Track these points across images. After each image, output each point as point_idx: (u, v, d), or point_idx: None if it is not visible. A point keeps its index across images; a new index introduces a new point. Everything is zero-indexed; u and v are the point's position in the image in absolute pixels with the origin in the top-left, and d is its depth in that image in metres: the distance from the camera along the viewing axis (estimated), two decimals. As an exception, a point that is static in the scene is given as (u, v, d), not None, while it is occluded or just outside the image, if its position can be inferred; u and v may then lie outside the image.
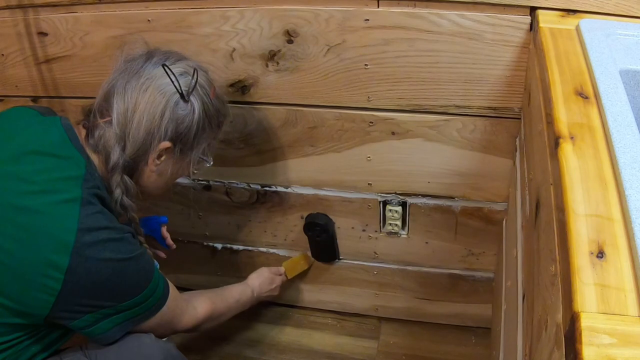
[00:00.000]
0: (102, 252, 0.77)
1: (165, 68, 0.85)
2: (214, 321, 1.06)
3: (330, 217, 1.28)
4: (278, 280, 1.29)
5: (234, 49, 1.07)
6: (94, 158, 0.86)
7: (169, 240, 1.18)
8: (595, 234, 0.50)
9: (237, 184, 1.30)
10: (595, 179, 0.55)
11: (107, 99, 0.86)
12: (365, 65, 1.04)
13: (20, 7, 1.11)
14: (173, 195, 1.36)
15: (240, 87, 1.13)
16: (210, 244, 1.44)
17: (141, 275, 0.84)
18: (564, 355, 0.44)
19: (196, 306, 1.00)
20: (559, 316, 0.48)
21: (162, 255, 1.19)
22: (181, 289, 1.49)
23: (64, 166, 0.81)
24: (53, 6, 1.10)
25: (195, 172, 0.96)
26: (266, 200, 1.30)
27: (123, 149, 0.85)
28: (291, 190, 1.27)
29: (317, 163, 1.20)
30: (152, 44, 0.92)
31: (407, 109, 1.08)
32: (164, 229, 1.17)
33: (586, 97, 0.68)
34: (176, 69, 0.87)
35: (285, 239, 1.37)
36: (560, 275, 0.51)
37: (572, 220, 0.51)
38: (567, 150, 0.59)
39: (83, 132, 0.88)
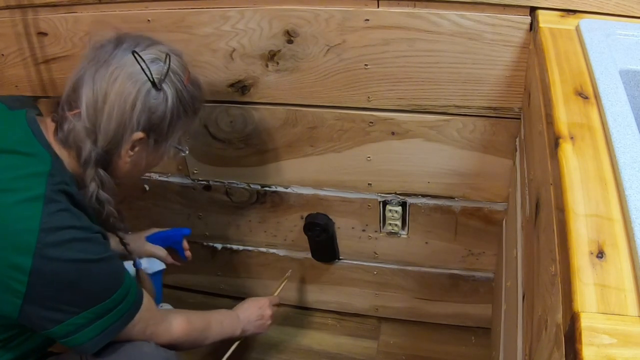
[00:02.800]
0: (67, 253, 0.74)
1: (135, 55, 0.81)
2: (193, 342, 0.99)
3: (330, 217, 1.28)
4: (266, 305, 1.19)
5: (234, 49, 1.07)
6: (64, 153, 0.82)
7: (188, 252, 1.17)
8: (595, 234, 0.50)
9: (237, 184, 1.30)
10: (595, 179, 0.55)
11: (76, 90, 0.81)
12: (365, 65, 1.04)
13: (19, 7, 1.11)
14: (173, 196, 1.36)
15: (240, 87, 1.13)
16: (210, 244, 1.44)
17: (110, 279, 0.80)
18: (564, 355, 0.44)
19: (171, 321, 0.95)
20: (559, 316, 0.48)
21: (177, 263, 1.18)
22: (181, 289, 1.50)
23: (27, 163, 0.77)
24: (53, 6, 1.10)
25: (173, 158, 0.93)
26: (266, 200, 1.30)
27: (94, 142, 0.81)
28: (291, 190, 1.27)
29: (317, 163, 1.20)
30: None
31: (407, 109, 1.08)
32: (184, 241, 1.18)
33: (586, 97, 0.68)
34: (147, 55, 0.82)
35: (285, 239, 1.37)
36: (560, 275, 0.51)
37: (572, 220, 0.51)
38: (567, 150, 0.59)
39: (52, 125, 0.84)
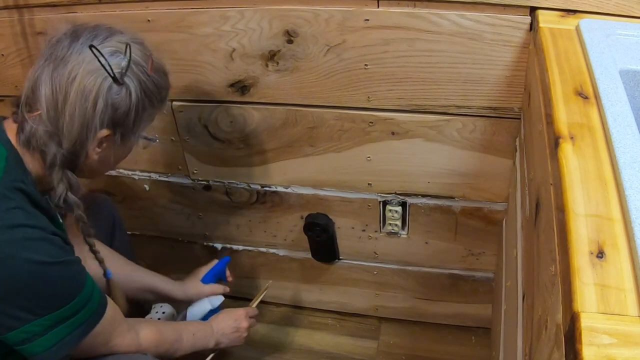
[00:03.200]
0: (19, 253, 0.70)
1: (93, 50, 0.76)
2: (164, 353, 0.96)
3: (330, 217, 1.28)
4: (242, 317, 1.16)
5: (234, 49, 1.07)
6: (28, 154, 0.79)
7: (229, 276, 1.26)
8: (595, 234, 0.50)
9: (237, 184, 1.30)
10: (595, 179, 0.55)
11: (34, 90, 0.77)
12: (365, 65, 1.04)
13: (19, 7, 1.11)
14: (173, 196, 1.36)
15: (240, 87, 1.13)
16: (210, 244, 1.44)
17: (68, 284, 0.76)
18: (564, 355, 0.44)
19: (139, 332, 0.91)
20: (559, 316, 0.48)
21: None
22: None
23: None
24: (53, 6, 1.10)
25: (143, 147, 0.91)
26: (266, 200, 1.30)
27: (58, 144, 0.78)
28: (291, 190, 1.27)
29: (317, 163, 1.20)
30: (79, 20, 0.84)
31: (407, 109, 1.08)
32: (227, 270, 1.27)
33: (586, 97, 0.68)
34: (106, 48, 0.77)
35: (285, 239, 1.37)
36: (560, 275, 0.51)
37: (572, 220, 0.51)
38: (567, 150, 0.59)
39: (14, 126, 0.80)
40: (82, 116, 0.77)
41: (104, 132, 0.80)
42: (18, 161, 0.77)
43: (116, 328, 0.86)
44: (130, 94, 0.80)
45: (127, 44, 0.80)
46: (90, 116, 0.77)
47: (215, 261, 1.26)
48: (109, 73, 0.77)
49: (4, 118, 0.82)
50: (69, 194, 0.81)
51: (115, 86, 0.78)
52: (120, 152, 0.86)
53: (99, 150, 0.81)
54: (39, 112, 0.77)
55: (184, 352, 1.02)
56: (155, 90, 0.84)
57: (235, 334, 1.14)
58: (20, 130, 0.79)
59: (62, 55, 0.77)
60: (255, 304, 1.27)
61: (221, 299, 1.22)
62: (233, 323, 1.14)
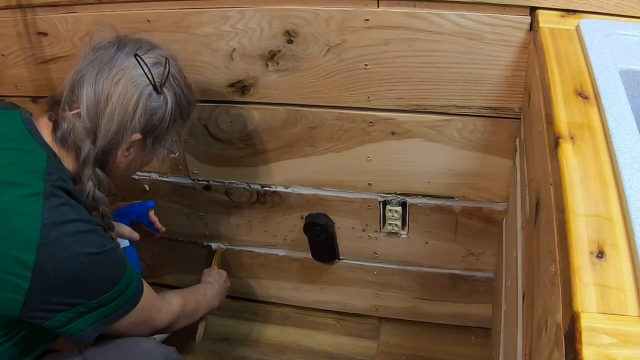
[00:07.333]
0: (70, 247, 0.75)
1: (138, 58, 0.83)
2: (187, 318, 1.04)
3: (330, 217, 1.28)
4: (224, 274, 1.29)
5: (234, 49, 1.07)
6: (63, 151, 0.83)
7: (158, 224, 1.15)
8: (595, 234, 0.50)
9: (237, 184, 1.30)
10: (595, 179, 0.55)
11: (75, 90, 0.83)
12: (365, 65, 1.04)
13: (20, 7, 1.11)
14: (173, 196, 1.36)
15: (240, 87, 1.13)
16: (210, 243, 1.44)
17: (112, 270, 0.81)
18: (564, 355, 0.44)
19: (170, 301, 0.98)
20: (559, 316, 0.48)
21: (150, 238, 1.17)
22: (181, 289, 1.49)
23: (24, 160, 0.79)
24: (53, 6, 1.10)
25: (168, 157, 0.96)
26: (266, 200, 1.30)
27: (94, 141, 0.83)
28: (291, 190, 1.27)
29: (317, 163, 1.20)
30: (120, 30, 0.90)
31: (407, 109, 1.08)
32: (151, 213, 1.14)
33: (586, 97, 0.68)
34: (148, 59, 0.85)
35: (285, 239, 1.37)
36: (560, 275, 0.51)
37: (572, 220, 0.51)
38: (567, 150, 0.59)
39: (49, 124, 0.85)
40: (121, 118, 0.83)
41: (137, 135, 0.86)
42: (57, 160, 0.82)
43: (153, 303, 0.92)
44: (166, 103, 0.87)
45: (166, 58, 0.87)
46: (128, 119, 0.83)
47: (136, 202, 1.14)
48: (150, 81, 0.84)
49: (31, 115, 0.86)
50: (97, 190, 0.85)
51: (154, 94, 0.85)
52: (146, 158, 0.92)
53: (127, 154, 0.88)
54: (78, 111, 0.82)
55: (200, 315, 1.10)
56: (186, 104, 0.91)
57: (225, 293, 1.27)
58: (56, 127, 0.84)
59: (107, 60, 0.83)
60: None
61: (125, 242, 1.09)
62: (224, 284, 1.26)
